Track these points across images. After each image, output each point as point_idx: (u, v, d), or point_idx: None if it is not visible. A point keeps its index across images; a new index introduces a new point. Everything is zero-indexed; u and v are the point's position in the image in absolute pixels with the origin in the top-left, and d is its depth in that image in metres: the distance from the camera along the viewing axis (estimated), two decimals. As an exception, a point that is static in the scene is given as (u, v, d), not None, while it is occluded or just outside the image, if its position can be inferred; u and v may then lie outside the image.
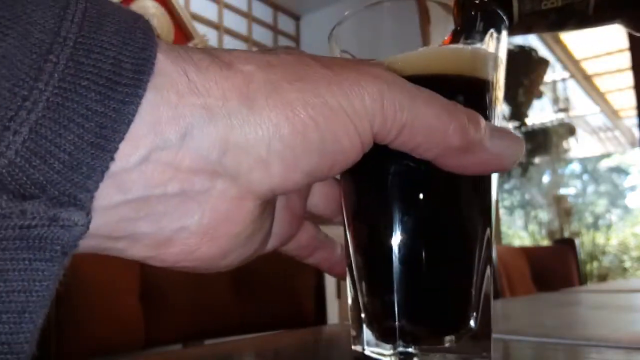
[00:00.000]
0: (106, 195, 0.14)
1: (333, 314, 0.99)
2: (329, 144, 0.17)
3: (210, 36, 2.44)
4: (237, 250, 0.18)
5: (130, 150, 0.14)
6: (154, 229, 0.16)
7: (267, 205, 0.18)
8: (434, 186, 0.22)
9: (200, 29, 2.39)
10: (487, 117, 0.23)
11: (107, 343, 0.69)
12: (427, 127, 0.18)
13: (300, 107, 0.16)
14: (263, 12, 2.81)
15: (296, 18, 3.00)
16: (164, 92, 0.14)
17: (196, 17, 2.41)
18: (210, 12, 2.51)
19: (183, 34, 2.31)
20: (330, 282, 0.96)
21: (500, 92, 0.25)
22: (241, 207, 0.17)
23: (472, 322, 0.23)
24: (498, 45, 0.24)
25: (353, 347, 0.25)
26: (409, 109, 0.17)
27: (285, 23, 2.95)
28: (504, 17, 0.24)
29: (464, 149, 0.19)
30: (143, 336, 0.72)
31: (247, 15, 2.71)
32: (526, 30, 0.27)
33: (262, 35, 2.78)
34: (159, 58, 0.15)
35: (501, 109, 0.25)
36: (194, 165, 0.15)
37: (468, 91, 0.23)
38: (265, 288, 0.86)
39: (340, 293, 1.24)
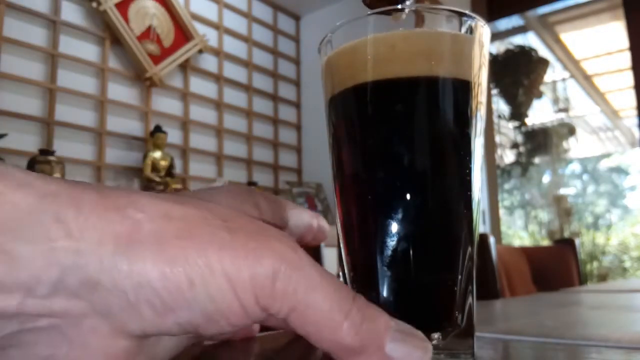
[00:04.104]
0: None
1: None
2: (203, 304, 0.16)
3: (210, 36, 2.44)
4: None
5: (5, 302, 0.15)
6: (24, 356, 0.16)
7: (149, 340, 0.18)
8: (415, 190, 0.23)
9: (200, 29, 2.39)
10: (467, 119, 0.24)
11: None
12: (317, 320, 0.17)
13: (179, 265, 0.16)
14: (263, 12, 2.81)
15: (296, 18, 3.00)
16: (36, 244, 0.15)
17: (196, 17, 2.41)
18: (210, 12, 2.51)
19: (183, 34, 2.31)
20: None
21: (482, 94, 0.25)
22: (114, 344, 0.16)
23: (458, 320, 0.23)
24: (482, 46, 0.25)
25: None
26: (302, 297, 0.17)
27: (285, 23, 2.95)
28: None
29: (356, 349, 0.18)
30: (143, 336, 0.72)
31: (247, 15, 2.71)
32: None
33: (262, 35, 2.78)
34: (31, 208, 0.15)
35: (484, 111, 0.25)
36: (64, 305, 0.15)
37: (435, 90, 0.23)
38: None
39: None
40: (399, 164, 0.23)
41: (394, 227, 0.23)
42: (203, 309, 0.16)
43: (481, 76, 0.25)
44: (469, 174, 0.24)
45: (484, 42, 0.25)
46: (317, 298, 0.17)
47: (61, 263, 0.15)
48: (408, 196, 0.23)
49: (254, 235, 0.17)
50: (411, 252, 0.23)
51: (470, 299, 0.24)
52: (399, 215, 0.23)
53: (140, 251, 0.16)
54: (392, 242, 0.23)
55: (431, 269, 0.23)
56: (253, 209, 0.23)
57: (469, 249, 0.24)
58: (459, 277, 0.23)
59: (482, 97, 0.25)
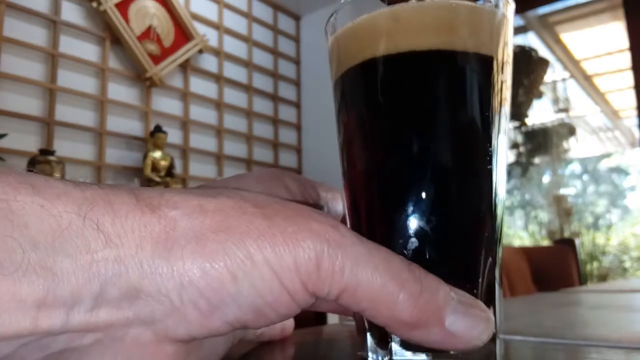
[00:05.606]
0: (27, 355, 0.15)
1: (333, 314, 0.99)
2: (249, 298, 0.16)
3: (210, 36, 2.44)
4: None
5: (50, 320, 0.14)
6: None
7: (195, 344, 0.17)
8: (430, 184, 0.21)
9: (200, 29, 2.39)
10: (494, 102, 0.22)
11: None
12: (371, 296, 0.16)
13: (218, 259, 0.15)
14: (263, 12, 2.81)
15: (296, 18, 3.00)
16: (76, 257, 0.14)
17: (196, 17, 2.41)
18: (210, 12, 2.51)
19: (183, 34, 2.31)
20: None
21: (507, 90, 0.24)
22: (158, 351, 0.16)
23: None
24: (507, 30, 0.23)
25: (358, 353, 0.24)
26: (350, 275, 0.16)
27: (285, 23, 2.95)
28: None
29: (415, 323, 0.17)
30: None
31: (247, 15, 2.71)
32: None
33: (262, 35, 2.78)
34: (71, 218, 0.15)
35: (509, 93, 0.24)
36: (107, 318, 0.15)
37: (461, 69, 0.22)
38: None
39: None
40: (413, 153, 0.21)
41: (405, 223, 0.21)
42: (249, 302, 0.16)
43: (507, 53, 0.23)
44: (498, 168, 0.22)
45: (509, 17, 0.23)
46: (367, 273, 0.16)
47: (101, 275, 0.15)
48: (422, 192, 0.21)
49: (292, 218, 0.16)
50: (424, 251, 0.21)
51: (493, 302, 0.22)
52: (410, 212, 0.21)
53: (179, 250, 0.15)
54: (401, 240, 0.21)
55: (448, 270, 0.21)
56: (283, 190, 0.22)
57: (492, 250, 0.22)
58: (479, 280, 0.22)
59: (508, 78, 0.23)
